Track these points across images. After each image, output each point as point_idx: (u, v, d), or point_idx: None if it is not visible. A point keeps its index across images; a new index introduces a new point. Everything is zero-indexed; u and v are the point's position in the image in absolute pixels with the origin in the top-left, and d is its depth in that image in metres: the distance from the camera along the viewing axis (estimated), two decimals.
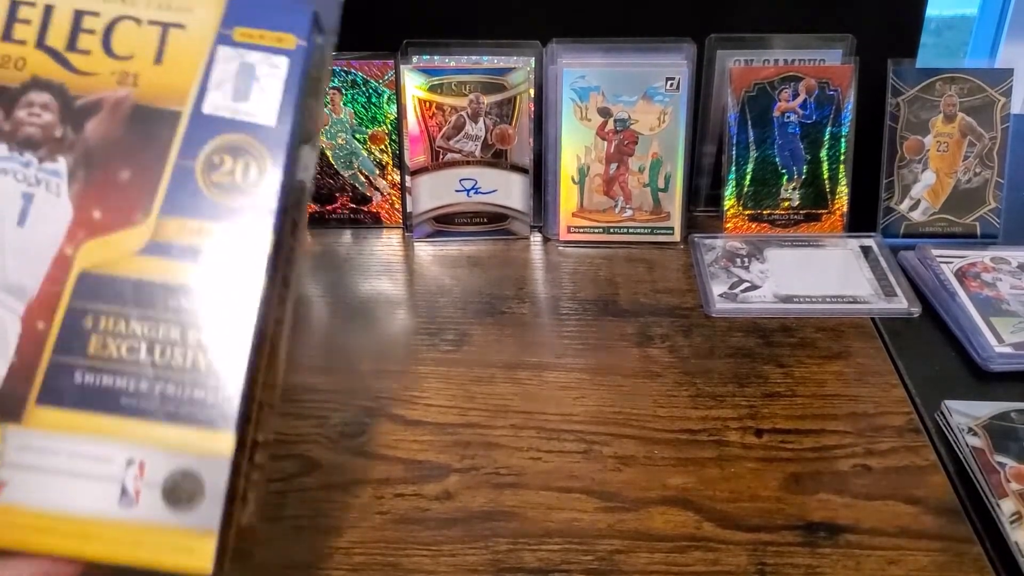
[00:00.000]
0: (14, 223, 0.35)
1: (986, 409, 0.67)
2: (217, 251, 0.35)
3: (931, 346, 0.77)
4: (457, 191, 0.91)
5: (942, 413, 0.67)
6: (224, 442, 0.34)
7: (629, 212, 0.91)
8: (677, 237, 0.92)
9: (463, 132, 0.89)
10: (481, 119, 0.89)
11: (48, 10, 0.37)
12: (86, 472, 0.34)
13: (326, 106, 0.90)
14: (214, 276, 0.35)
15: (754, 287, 0.83)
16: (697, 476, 0.63)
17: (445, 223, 0.92)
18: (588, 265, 0.88)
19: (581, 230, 0.92)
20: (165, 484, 0.34)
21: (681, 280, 0.86)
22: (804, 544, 0.58)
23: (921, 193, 0.90)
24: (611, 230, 0.92)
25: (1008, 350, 0.73)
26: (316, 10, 0.36)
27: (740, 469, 0.64)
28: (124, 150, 0.36)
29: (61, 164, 0.36)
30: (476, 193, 0.91)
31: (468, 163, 0.90)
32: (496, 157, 0.90)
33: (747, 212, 0.92)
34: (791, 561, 0.57)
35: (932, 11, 0.92)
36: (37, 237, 0.35)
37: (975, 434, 0.64)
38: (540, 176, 0.93)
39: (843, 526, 0.59)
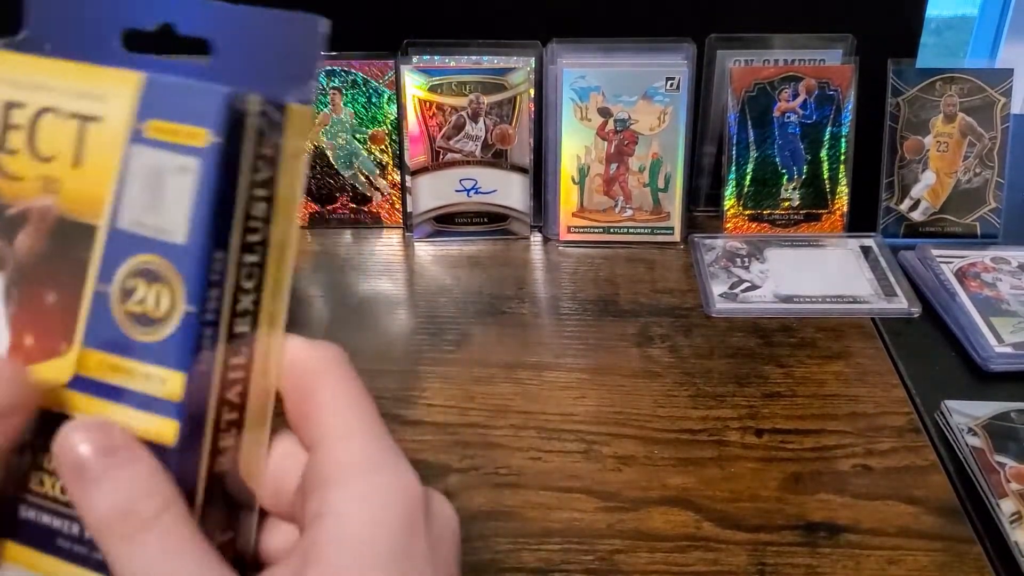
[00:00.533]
0: None
1: (986, 409, 0.67)
2: (136, 394, 0.30)
3: (931, 346, 0.77)
4: (457, 191, 0.91)
5: (942, 413, 0.67)
6: None
7: (629, 212, 0.91)
8: (677, 237, 0.92)
9: (463, 132, 0.89)
10: (481, 119, 0.89)
11: None
12: None
13: (326, 106, 0.91)
14: (135, 423, 0.30)
15: (754, 287, 0.83)
16: (697, 476, 0.63)
17: (445, 223, 0.92)
18: (588, 265, 0.88)
19: (581, 230, 0.92)
20: None
21: (681, 280, 0.86)
22: (804, 544, 0.58)
23: (921, 193, 0.90)
24: (611, 230, 0.92)
25: (1008, 350, 0.73)
26: (233, 89, 0.29)
27: (740, 469, 0.64)
28: (49, 269, 0.31)
29: None
30: (476, 193, 0.91)
31: (468, 163, 0.90)
32: (496, 157, 0.90)
33: (747, 212, 0.92)
34: (791, 561, 0.57)
35: (932, 11, 0.92)
36: None
37: (975, 434, 0.64)
38: (540, 176, 0.93)
39: (843, 526, 0.60)
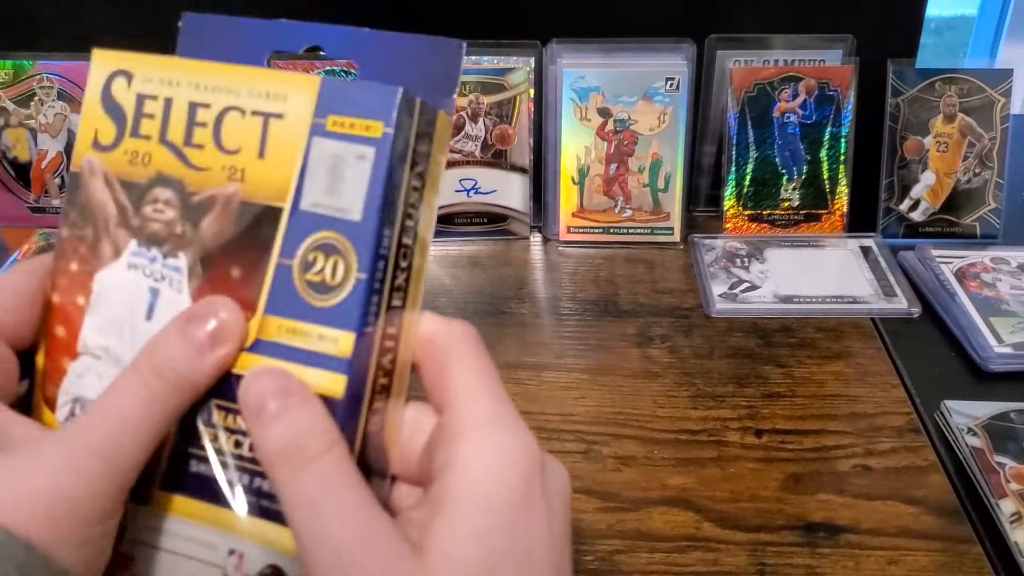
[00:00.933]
0: (143, 317, 0.36)
1: (986, 409, 0.67)
2: (311, 353, 0.34)
3: (931, 346, 0.77)
4: (457, 191, 0.91)
5: (942, 413, 0.67)
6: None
7: (629, 212, 0.91)
8: (677, 237, 0.92)
9: (463, 132, 0.89)
10: (481, 119, 0.89)
11: (168, 103, 0.37)
12: (196, 556, 0.36)
13: None
14: (308, 378, 0.34)
15: (754, 287, 0.83)
16: (697, 476, 0.63)
17: (445, 223, 0.92)
18: (588, 265, 0.88)
19: (581, 230, 0.92)
20: (256, 574, 0.35)
21: (681, 280, 0.86)
22: (804, 544, 0.58)
23: (921, 193, 0.90)
24: (611, 230, 0.92)
25: (1007, 350, 0.73)
26: (405, 89, 0.34)
27: (740, 469, 0.64)
28: (234, 247, 0.36)
29: (182, 260, 0.36)
30: (476, 193, 0.91)
31: (468, 163, 0.90)
32: (496, 157, 0.90)
33: (747, 212, 0.92)
34: (791, 561, 0.57)
35: (932, 11, 0.92)
36: (157, 330, 0.35)
37: (975, 434, 0.64)
38: (540, 176, 0.93)
39: (843, 526, 0.60)
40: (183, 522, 0.36)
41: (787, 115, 0.90)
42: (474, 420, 0.34)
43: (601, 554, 0.58)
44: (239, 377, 0.34)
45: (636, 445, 0.66)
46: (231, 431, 0.35)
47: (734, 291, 0.82)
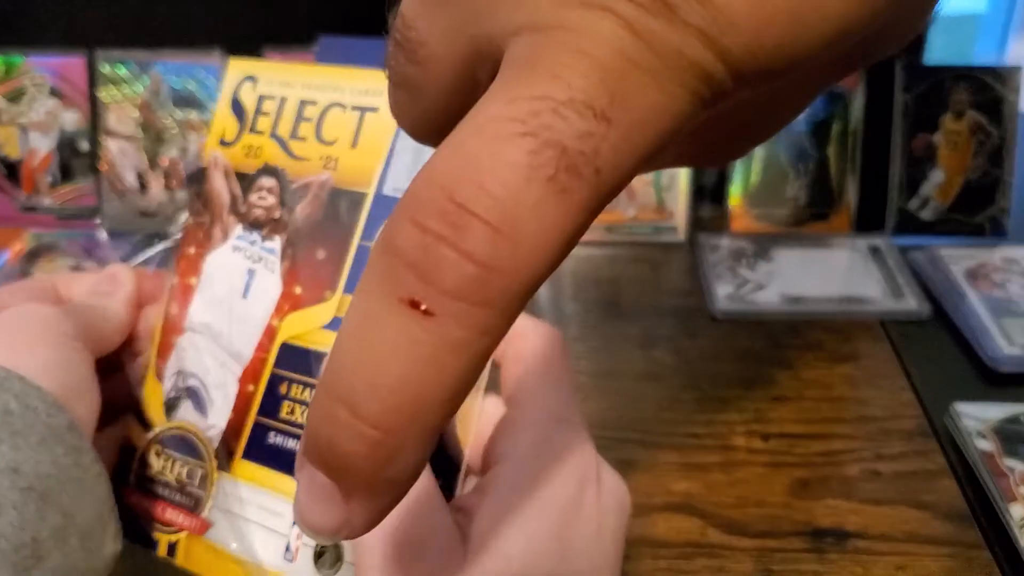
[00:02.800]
0: (240, 295, 0.40)
1: (996, 412, 0.66)
2: None
3: (940, 348, 0.76)
4: None
5: (951, 416, 0.66)
6: None
7: (632, 211, 0.90)
8: (681, 236, 0.91)
9: None
10: None
11: (282, 102, 0.41)
12: (266, 525, 0.39)
13: None
14: None
15: (760, 287, 0.82)
16: (702, 481, 0.63)
17: None
18: (590, 265, 0.88)
19: None
20: (316, 548, 0.38)
21: (686, 280, 0.85)
22: (811, 550, 0.58)
23: (930, 192, 0.89)
24: (614, 229, 0.91)
25: (1019, 352, 0.73)
26: None
27: (746, 474, 0.63)
28: (322, 230, 0.39)
29: (276, 243, 0.40)
30: None
31: None
32: None
33: (753, 211, 0.91)
34: (798, 568, 0.56)
35: (941, 8, 0.91)
36: (254, 309, 0.40)
37: (984, 437, 0.64)
38: None
39: (851, 532, 0.59)
40: (257, 491, 0.39)
41: None
42: (537, 418, 0.35)
43: None
44: (313, 353, 0.38)
45: (639, 450, 0.65)
46: (305, 404, 0.38)
47: (740, 291, 0.82)
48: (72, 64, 0.89)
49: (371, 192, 0.39)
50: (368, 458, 0.18)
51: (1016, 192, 0.89)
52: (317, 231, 0.39)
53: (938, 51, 0.93)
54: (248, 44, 0.89)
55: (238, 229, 0.41)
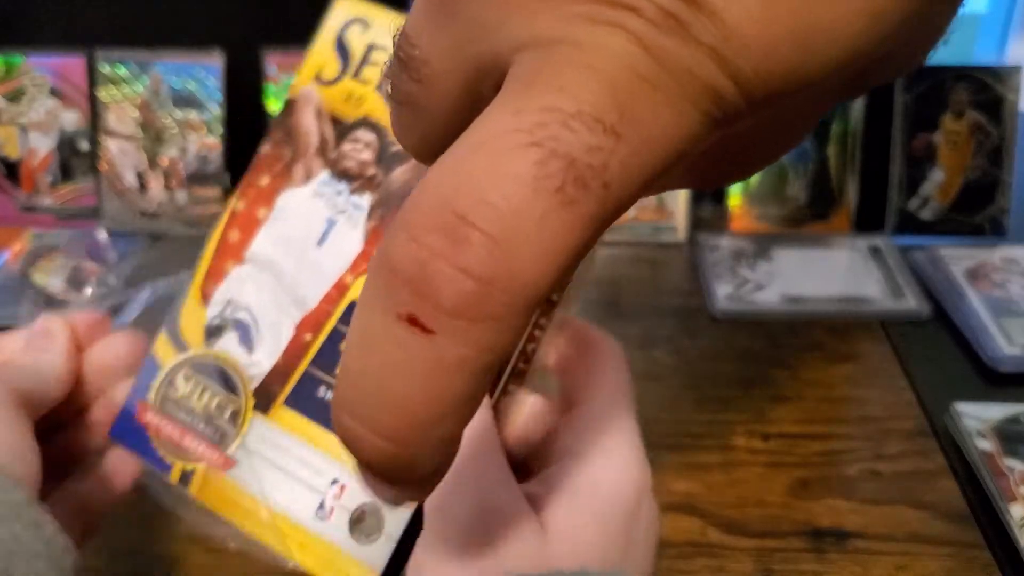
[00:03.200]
0: (315, 242, 0.39)
1: (996, 412, 0.66)
2: None
3: (940, 348, 0.76)
4: None
5: (951, 416, 0.66)
6: None
7: (632, 211, 0.90)
8: (681, 236, 0.91)
9: None
10: None
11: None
12: (300, 478, 0.38)
13: None
14: None
15: (760, 287, 0.82)
16: (702, 481, 0.63)
17: None
18: None
19: None
20: (354, 513, 0.38)
21: (686, 280, 0.85)
22: (811, 550, 0.58)
23: (930, 191, 0.89)
24: (613, 229, 0.90)
25: (1018, 352, 0.72)
26: None
27: (746, 474, 0.63)
28: None
29: (365, 200, 0.39)
30: None
31: None
32: None
33: (753, 211, 0.91)
34: (798, 567, 0.57)
35: None
36: (328, 260, 0.39)
37: (984, 437, 0.64)
38: None
39: (851, 532, 0.59)
40: (297, 441, 0.38)
41: None
42: (607, 428, 0.36)
43: None
44: None
45: None
46: None
47: (740, 291, 0.82)
48: (72, 64, 0.90)
49: None
50: (387, 465, 0.18)
51: (1016, 192, 0.89)
52: None
53: (938, 51, 0.93)
54: (247, 44, 0.89)
55: (323, 175, 0.40)
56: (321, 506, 0.38)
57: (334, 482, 0.38)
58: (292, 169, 0.40)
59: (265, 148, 0.41)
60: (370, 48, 0.40)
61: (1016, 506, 0.58)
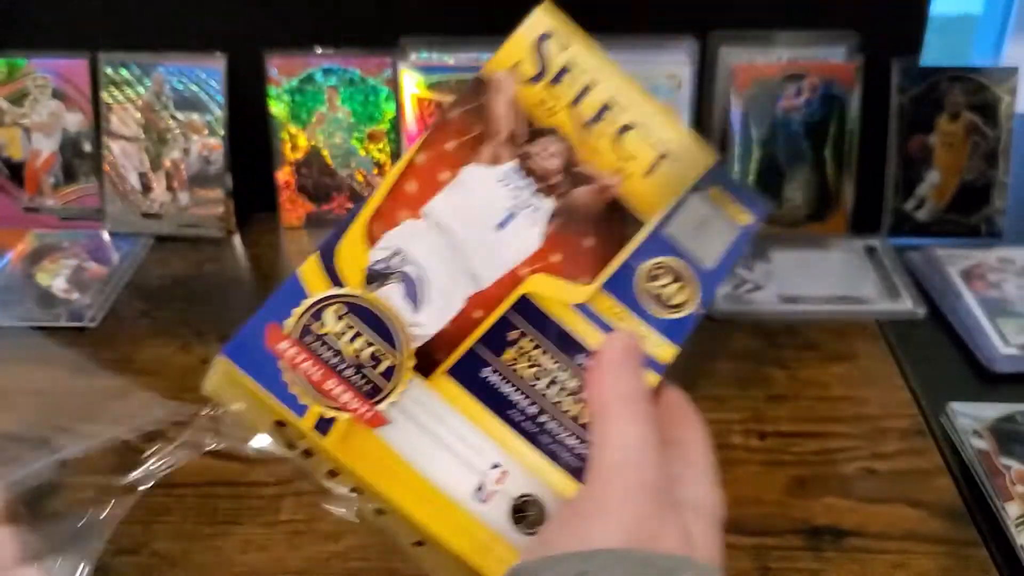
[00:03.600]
0: (494, 225, 0.40)
1: (992, 411, 0.66)
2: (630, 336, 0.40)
3: (936, 347, 0.77)
4: None
5: (947, 415, 0.67)
6: (570, 490, 0.38)
7: None
8: None
9: None
10: None
11: (587, 89, 0.42)
12: (457, 453, 0.37)
13: (322, 104, 0.90)
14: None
15: (758, 287, 0.82)
16: None
17: None
18: None
19: None
20: (516, 500, 0.37)
21: None
22: (808, 548, 0.58)
23: (926, 192, 0.89)
24: None
25: (1014, 351, 0.73)
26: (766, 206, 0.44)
27: (743, 472, 0.63)
28: (595, 224, 0.41)
29: (548, 203, 0.40)
30: None
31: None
32: None
33: None
34: (795, 565, 0.57)
35: (936, 9, 0.92)
36: (506, 246, 0.40)
37: (980, 436, 0.64)
38: None
39: (848, 530, 0.59)
40: (459, 416, 0.38)
41: (791, 113, 0.89)
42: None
43: None
44: (554, 321, 0.39)
45: None
46: (533, 361, 0.39)
47: (738, 291, 0.82)
48: (75, 66, 0.90)
49: (650, 226, 0.41)
50: None
51: (1012, 193, 0.89)
52: (590, 222, 0.41)
53: (934, 52, 0.93)
54: (249, 47, 0.89)
55: (511, 165, 0.41)
56: (480, 488, 0.37)
57: (495, 466, 0.37)
58: (481, 147, 0.41)
59: (453, 112, 0.41)
60: (564, 70, 0.42)
61: (1012, 504, 0.59)
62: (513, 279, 0.39)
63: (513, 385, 0.38)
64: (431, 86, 0.87)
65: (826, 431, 0.67)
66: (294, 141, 0.91)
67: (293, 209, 0.93)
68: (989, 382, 0.72)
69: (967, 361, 0.75)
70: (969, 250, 0.86)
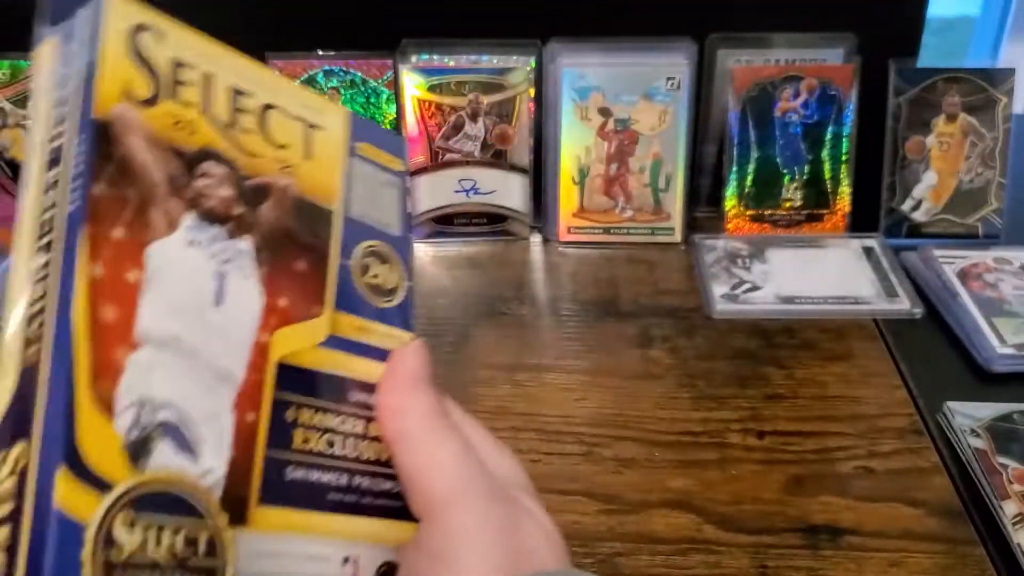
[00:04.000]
0: (211, 303, 0.33)
1: (988, 410, 0.66)
2: (381, 350, 0.37)
3: (933, 347, 0.77)
4: (456, 192, 0.91)
5: (944, 415, 0.67)
6: (413, 532, 0.35)
7: (629, 212, 0.91)
8: (678, 238, 0.91)
9: (462, 132, 0.89)
10: (480, 119, 0.89)
11: (207, 79, 0.35)
12: (309, 573, 0.34)
13: None
14: (380, 372, 0.37)
15: (756, 288, 0.83)
16: (698, 478, 0.63)
17: (444, 224, 0.92)
18: (588, 266, 0.88)
19: (581, 231, 0.91)
20: (379, 572, 0.35)
21: (682, 281, 0.85)
22: (806, 547, 0.58)
23: (923, 193, 0.90)
24: (611, 230, 0.91)
25: (1010, 351, 0.73)
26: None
27: (741, 471, 0.64)
28: (295, 241, 0.36)
29: (247, 244, 0.34)
30: (475, 194, 0.91)
31: (467, 163, 0.90)
32: (496, 157, 0.90)
33: (748, 212, 0.91)
34: (793, 564, 0.57)
35: (933, 11, 0.92)
36: (235, 320, 0.33)
37: (977, 435, 0.64)
38: (540, 176, 0.92)
39: (845, 528, 0.59)
40: (290, 539, 0.33)
41: (788, 114, 0.89)
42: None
43: (601, 556, 0.57)
44: (314, 373, 0.35)
45: (637, 447, 0.66)
46: (317, 429, 0.35)
47: (736, 292, 0.82)
48: None
49: (337, 210, 0.37)
50: None
51: (1008, 193, 0.89)
52: (290, 240, 0.35)
53: (932, 54, 0.93)
54: (251, 51, 0.89)
55: (189, 219, 0.32)
56: None
57: (346, 560, 0.35)
58: (149, 216, 0.31)
59: (95, 188, 0.30)
60: (176, 65, 0.33)
61: (1009, 503, 0.59)
62: (261, 353, 0.34)
63: (317, 468, 0.35)
64: (431, 88, 0.87)
65: (824, 430, 0.67)
66: None
67: None
68: (986, 381, 0.73)
69: (964, 361, 0.75)
70: (966, 250, 0.86)
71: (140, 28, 0.32)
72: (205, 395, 0.32)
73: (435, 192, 0.91)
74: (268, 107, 0.36)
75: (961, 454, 0.64)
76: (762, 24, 0.90)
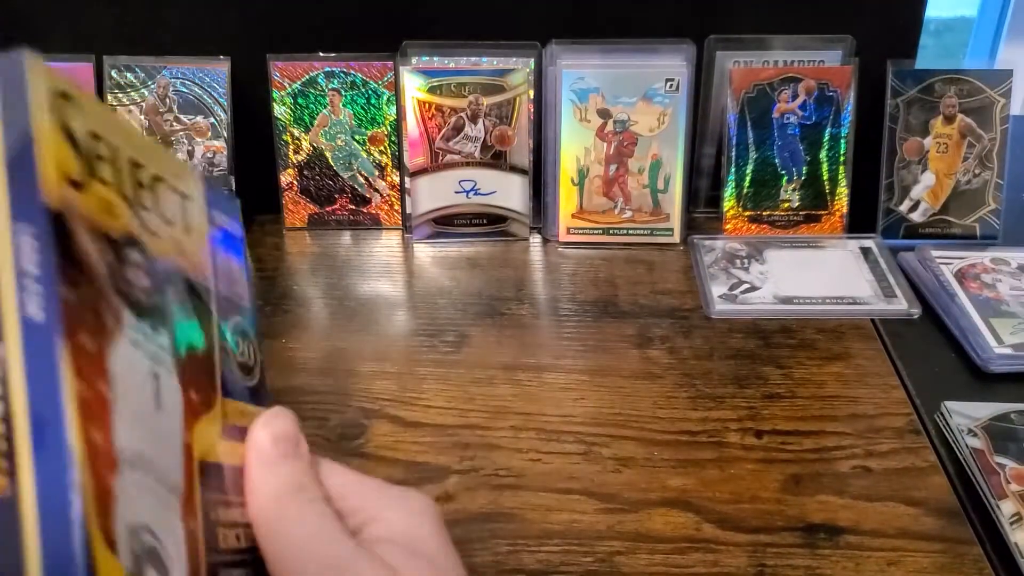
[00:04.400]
0: (153, 408, 0.30)
1: (986, 410, 0.67)
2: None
3: (931, 347, 0.77)
4: (456, 192, 0.91)
5: (942, 414, 0.67)
6: None
7: (629, 213, 0.91)
8: (677, 238, 0.91)
9: (462, 133, 0.89)
10: (480, 120, 0.89)
11: (115, 152, 0.30)
12: None
13: (325, 107, 0.91)
14: None
15: (754, 288, 0.83)
16: (697, 477, 0.63)
17: (444, 224, 0.92)
18: (587, 266, 0.88)
19: (580, 231, 0.92)
20: None
21: (681, 281, 0.86)
22: (804, 545, 0.58)
23: (921, 194, 0.90)
24: (611, 231, 0.92)
25: (1008, 351, 0.73)
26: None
27: (740, 470, 0.64)
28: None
29: (165, 337, 0.31)
30: (475, 194, 0.91)
31: (467, 164, 0.90)
32: (495, 158, 0.90)
33: (747, 213, 0.92)
34: (791, 562, 0.57)
35: (931, 12, 0.92)
36: (170, 423, 0.31)
37: (975, 435, 0.64)
38: (540, 177, 0.92)
39: (843, 527, 0.59)
40: None
41: (787, 116, 0.90)
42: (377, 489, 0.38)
43: (601, 555, 0.58)
44: (221, 468, 0.33)
45: (636, 446, 0.66)
46: (228, 526, 0.33)
47: (734, 292, 0.82)
48: (79, 69, 0.90)
49: (213, 288, 0.35)
50: None
51: (1006, 194, 0.90)
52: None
53: (930, 55, 0.93)
54: (253, 52, 0.90)
55: (128, 316, 0.29)
56: None
57: None
58: (104, 318, 0.28)
59: (62, 291, 0.26)
60: (93, 138, 0.29)
61: (1007, 503, 0.59)
62: (188, 455, 0.31)
63: (236, 565, 0.33)
64: (431, 89, 0.88)
65: (822, 430, 0.67)
66: (297, 144, 0.92)
67: (296, 211, 0.94)
68: (983, 381, 0.73)
69: (962, 360, 0.75)
70: (964, 251, 0.86)
71: (59, 96, 0.28)
72: (165, 511, 0.29)
73: (435, 193, 0.91)
74: (156, 179, 0.32)
75: (959, 454, 0.64)
76: (760, 26, 0.91)
